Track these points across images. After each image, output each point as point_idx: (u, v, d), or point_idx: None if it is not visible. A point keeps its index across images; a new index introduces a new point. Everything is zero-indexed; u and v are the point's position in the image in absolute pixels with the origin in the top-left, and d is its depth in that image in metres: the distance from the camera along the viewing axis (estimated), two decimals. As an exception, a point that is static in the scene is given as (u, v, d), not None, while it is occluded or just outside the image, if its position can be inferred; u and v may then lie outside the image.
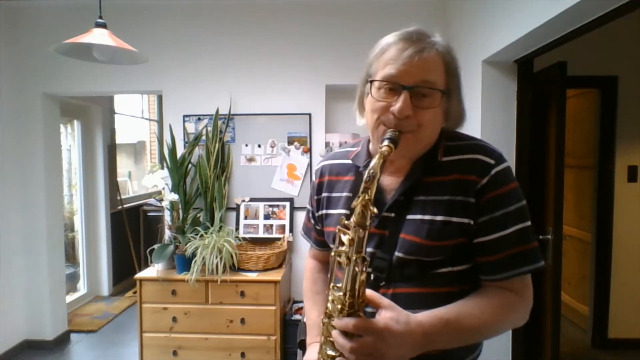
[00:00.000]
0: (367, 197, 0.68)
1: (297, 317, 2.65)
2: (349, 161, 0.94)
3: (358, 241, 0.68)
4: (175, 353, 2.54)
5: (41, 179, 3.08)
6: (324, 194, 0.96)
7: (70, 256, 4.09)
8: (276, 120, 2.92)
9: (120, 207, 4.41)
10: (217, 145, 2.86)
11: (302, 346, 0.89)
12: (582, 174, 3.30)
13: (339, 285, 0.72)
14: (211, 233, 2.57)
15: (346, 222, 0.70)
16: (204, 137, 2.91)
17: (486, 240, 0.79)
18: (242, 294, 2.51)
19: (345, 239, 0.70)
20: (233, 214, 2.95)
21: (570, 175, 3.32)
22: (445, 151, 0.83)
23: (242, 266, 2.61)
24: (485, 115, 2.20)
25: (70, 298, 3.83)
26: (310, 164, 2.92)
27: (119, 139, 4.66)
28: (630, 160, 3.03)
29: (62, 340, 3.26)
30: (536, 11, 1.60)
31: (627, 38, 2.92)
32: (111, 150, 4.35)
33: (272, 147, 2.95)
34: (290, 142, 2.93)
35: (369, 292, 0.72)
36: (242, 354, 2.51)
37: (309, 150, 2.92)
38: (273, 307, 2.51)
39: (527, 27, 1.68)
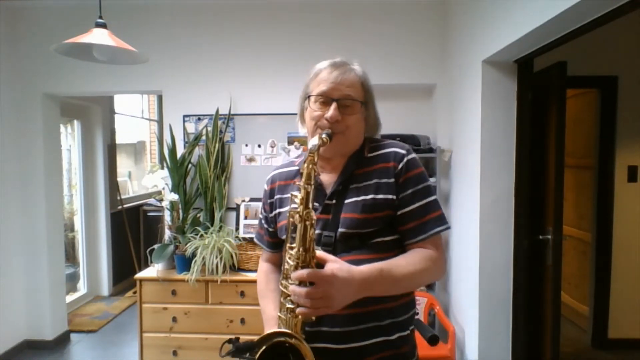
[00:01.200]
0: (312, 158, 0.88)
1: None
2: (295, 167, 1.15)
3: (306, 197, 0.87)
4: (175, 353, 2.54)
5: (41, 179, 3.08)
6: (277, 196, 1.14)
7: (70, 256, 4.09)
8: (276, 120, 2.92)
9: (120, 207, 4.41)
10: (217, 145, 2.86)
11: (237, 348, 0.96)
12: (582, 174, 3.30)
13: (293, 245, 0.89)
14: (211, 233, 2.57)
15: (297, 183, 0.89)
16: (204, 137, 2.91)
17: (406, 210, 1.01)
18: (242, 294, 2.51)
19: (297, 200, 0.87)
20: (233, 214, 2.95)
21: (570, 175, 3.32)
22: (369, 150, 1.09)
23: (242, 266, 2.61)
24: (485, 115, 2.20)
25: (70, 298, 3.83)
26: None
27: (119, 139, 4.66)
28: (630, 160, 3.03)
29: (62, 340, 3.26)
30: (536, 11, 1.60)
31: (627, 38, 2.92)
32: (111, 150, 4.35)
33: (272, 147, 2.95)
34: (290, 142, 2.93)
35: (318, 252, 0.89)
36: (242, 354, 2.51)
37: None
38: (273, 307, 2.50)
39: (527, 27, 1.68)
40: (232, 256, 2.49)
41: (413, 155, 1.06)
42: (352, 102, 1.03)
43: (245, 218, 2.91)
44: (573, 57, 2.21)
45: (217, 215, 2.80)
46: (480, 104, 2.20)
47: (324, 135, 0.96)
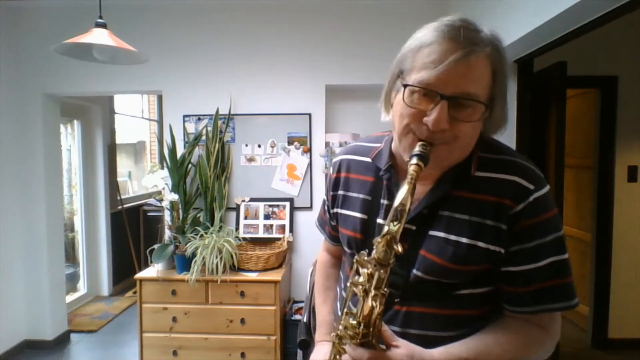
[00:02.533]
0: (392, 233, 0.62)
1: (297, 317, 2.65)
2: (369, 160, 0.86)
3: (378, 279, 0.63)
4: (175, 353, 2.54)
5: (41, 179, 3.08)
6: (340, 192, 0.89)
7: (70, 256, 4.09)
8: (276, 120, 2.92)
9: (120, 207, 4.41)
10: (217, 145, 2.86)
11: (303, 346, 0.87)
12: (582, 174, 3.29)
13: (353, 312, 0.67)
14: (211, 233, 2.57)
15: (365, 258, 0.65)
16: (204, 137, 2.91)
17: (516, 270, 0.72)
18: (242, 294, 2.51)
19: (363, 272, 0.64)
20: (233, 214, 2.95)
21: (570, 175, 3.32)
22: (479, 164, 0.75)
23: (242, 266, 2.61)
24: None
25: (70, 298, 3.83)
26: (310, 164, 2.92)
27: (119, 139, 4.66)
28: (630, 160, 3.03)
29: (62, 340, 3.26)
30: (536, 11, 1.60)
31: (627, 38, 2.92)
32: (111, 150, 4.35)
33: (272, 147, 2.95)
34: (290, 142, 2.93)
35: (384, 329, 0.67)
36: (242, 354, 2.51)
37: (309, 150, 2.92)
38: (273, 307, 2.51)
39: (527, 27, 1.68)
40: (232, 256, 2.49)
41: (544, 190, 0.72)
42: (472, 102, 0.68)
43: (245, 218, 2.91)
44: (573, 57, 2.21)
45: (217, 215, 2.80)
46: (480, 104, 2.20)
47: (412, 168, 0.65)
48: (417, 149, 0.67)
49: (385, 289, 0.64)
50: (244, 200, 2.94)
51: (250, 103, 2.95)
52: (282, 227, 2.88)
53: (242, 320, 2.51)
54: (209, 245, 2.47)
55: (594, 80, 3.01)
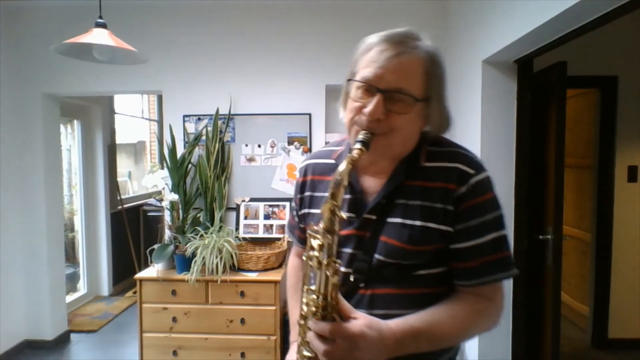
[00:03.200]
0: (334, 202, 0.69)
1: (297, 317, 2.65)
2: (332, 161, 0.94)
3: (328, 247, 0.69)
4: (175, 353, 2.54)
5: (41, 179, 3.08)
6: (307, 193, 0.97)
7: (70, 256, 4.09)
8: (276, 120, 2.92)
9: (120, 207, 4.41)
10: (217, 145, 2.86)
11: None
12: (582, 174, 3.30)
13: (312, 287, 0.73)
14: (211, 233, 2.57)
15: (315, 227, 0.71)
16: (204, 137, 2.91)
17: (462, 247, 0.81)
18: (242, 294, 2.51)
19: (315, 243, 0.70)
20: (233, 214, 2.95)
21: (570, 175, 3.32)
22: (427, 156, 0.85)
23: (242, 266, 2.61)
24: (485, 115, 2.20)
25: (70, 298, 3.83)
26: (310, 164, 2.91)
27: (119, 139, 4.66)
28: (630, 160, 3.03)
29: (62, 340, 3.26)
30: (536, 11, 1.60)
31: (627, 38, 2.92)
32: (111, 150, 4.35)
33: (272, 147, 2.95)
34: (290, 142, 2.93)
35: (342, 302, 0.73)
36: (242, 354, 2.51)
37: (309, 150, 2.92)
38: (273, 307, 2.51)
39: (527, 27, 1.68)
40: (232, 256, 2.49)
41: (484, 174, 0.82)
42: (403, 96, 0.77)
43: (245, 218, 2.91)
44: (573, 57, 2.21)
45: (217, 215, 2.80)
46: (480, 104, 2.20)
47: (354, 152, 0.73)
48: (359, 136, 0.77)
49: (337, 261, 0.70)
50: (244, 200, 2.94)
51: (250, 103, 2.95)
52: (282, 227, 2.88)
53: (242, 320, 2.51)
54: (209, 245, 2.47)
55: (594, 80, 3.01)
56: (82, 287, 4.14)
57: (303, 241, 1.03)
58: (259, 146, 2.96)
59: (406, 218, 0.81)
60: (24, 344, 3.13)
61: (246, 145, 2.96)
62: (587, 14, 1.47)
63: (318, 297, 0.71)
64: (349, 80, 0.84)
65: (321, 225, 0.70)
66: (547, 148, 2.17)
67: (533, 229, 2.20)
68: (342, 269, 0.83)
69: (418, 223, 0.80)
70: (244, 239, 2.79)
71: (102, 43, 1.77)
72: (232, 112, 2.94)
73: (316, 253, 0.71)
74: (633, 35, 2.91)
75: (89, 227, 4.14)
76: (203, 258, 2.45)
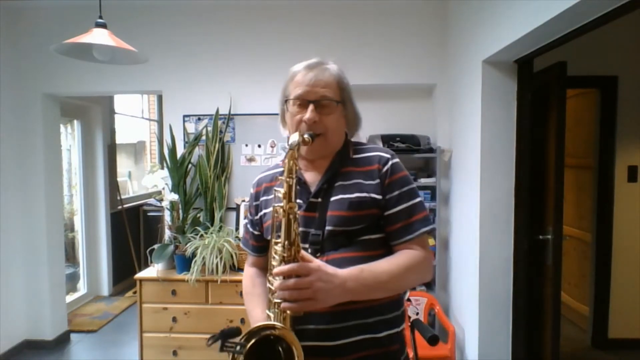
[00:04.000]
0: (293, 155, 0.90)
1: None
2: (280, 169, 1.13)
3: (289, 190, 0.88)
4: (175, 353, 2.54)
5: (41, 179, 3.08)
6: (262, 198, 1.16)
7: (70, 256, 4.09)
8: (276, 120, 2.88)
9: (120, 207, 4.41)
10: (217, 145, 2.86)
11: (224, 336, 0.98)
12: (582, 174, 3.30)
13: (278, 241, 0.90)
14: (211, 233, 2.57)
15: (279, 176, 0.91)
16: (204, 137, 2.91)
17: (393, 211, 1.03)
18: (242, 294, 2.50)
19: (280, 194, 0.89)
20: (233, 214, 2.95)
21: (570, 175, 3.32)
22: (354, 151, 1.11)
23: (242, 266, 2.59)
24: (485, 115, 2.20)
25: (70, 298, 3.83)
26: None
27: (119, 139, 4.66)
28: (630, 160, 3.03)
29: (62, 340, 3.26)
30: (536, 11, 1.60)
31: (627, 38, 2.92)
32: (111, 150, 4.35)
33: (272, 147, 2.95)
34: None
35: (303, 253, 0.89)
36: (242, 354, 2.51)
37: (309, 150, 2.91)
38: (273, 307, 2.50)
39: (527, 27, 1.68)
40: (232, 256, 2.49)
41: (397, 159, 1.09)
42: (328, 102, 1.05)
43: (245, 218, 2.91)
44: (573, 57, 2.20)
45: (217, 215, 2.80)
46: (480, 104, 2.20)
47: (306, 136, 0.97)
48: (306, 133, 1.00)
49: (296, 207, 0.89)
50: (244, 200, 2.94)
51: (250, 103, 2.95)
52: (282, 227, 2.88)
53: (242, 320, 2.51)
54: (209, 245, 2.47)
55: (594, 80, 3.01)
56: (82, 287, 4.14)
57: (258, 249, 1.21)
58: (259, 146, 2.96)
59: (345, 193, 1.02)
60: (24, 344, 3.13)
61: (246, 145, 2.96)
62: (587, 14, 1.47)
63: (284, 244, 0.88)
64: (286, 100, 1.08)
65: (284, 174, 0.89)
66: (547, 148, 2.17)
67: (533, 229, 2.20)
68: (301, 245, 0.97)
69: (355, 195, 1.02)
70: (244, 239, 2.79)
71: (102, 43, 1.77)
72: (232, 112, 2.94)
73: (281, 203, 0.88)
74: (633, 35, 2.91)
75: (89, 227, 4.14)
76: (203, 258, 2.45)
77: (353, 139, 1.17)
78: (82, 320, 3.66)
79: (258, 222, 1.17)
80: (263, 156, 2.95)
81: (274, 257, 0.92)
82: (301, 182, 1.06)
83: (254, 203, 1.19)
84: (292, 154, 0.90)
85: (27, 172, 3.07)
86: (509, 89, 2.18)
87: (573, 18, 1.51)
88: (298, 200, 0.99)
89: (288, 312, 0.88)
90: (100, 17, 1.85)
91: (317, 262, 0.89)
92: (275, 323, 0.88)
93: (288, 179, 0.89)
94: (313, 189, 1.06)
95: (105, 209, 4.21)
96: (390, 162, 1.06)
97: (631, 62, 2.96)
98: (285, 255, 0.88)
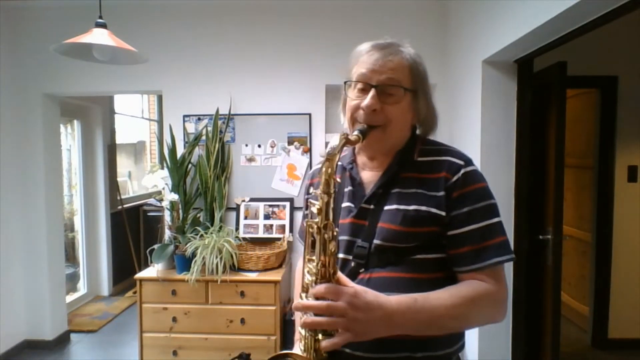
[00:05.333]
0: (330, 167, 0.77)
1: (297, 317, 2.65)
2: (339, 163, 0.97)
3: (325, 208, 0.76)
4: (175, 353, 2.54)
5: (41, 179, 3.08)
6: (313, 192, 1.00)
7: (70, 256, 4.09)
8: (276, 120, 2.92)
9: (120, 207, 4.41)
10: (217, 145, 2.86)
11: None
12: (582, 174, 3.30)
13: (312, 257, 0.79)
14: (211, 233, 2.57)
15: (314, 191, 0.78)
16: (204, 137, 2.91)
17: (456, 233, 0.85)
18: (242, 294, 2.51)
19: (314, 209, 0.77)
20: (233, 214, 2.95)
21: (570, 175, 3.32)
22: (420, 153, 0.93)
23: (242, 266, 2.61)
24: (485, 115, 2.20)
25: (70, 298, 3.83)
26: (310, 164, 2.92)
27: (119, 139, 4.66)
28: (630, 160, 3.03)
29: (62, 340, 3.26)
30: (536, 11, 1.60)
31: (627, 38, 2.92)
32: (111, 150, 4.35)
33: (272, 147, 2.95)
34: (290, 142, 2.93)
35: (340, 274, 0.78)
36: (242, 354, 2.51)
37: (309, 150, 2.92)
38: (273, 307, 2.51)
39: (527, 27, 1.68)
40: (232, 256, 2.49)
41: (473, 167, 0.89)
42: (395, 89, 0.88)
43: (245, 218, 2.91)
44: (573, 57, 2.20)
45: (217, 215, 2.80)
46: (480, 104, 2.20)
47: (355, 133, 0.84)
48: (358, 127, 0.88)
49: (335, 227, 0.77)
50: (244, 200, 2.94)
51: (250, 103, 2.95)
52: (282, 227, 2.88)
53: (242, 320, 2.51)
54: (209, 245, 2.47)
55: (594, 80, 3.01)
56: (82, 287, 4.14)
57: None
58: (259, 146, 2.96)
59: (401, 204, 0.87)
60: (24, 344, 3.13)
61: (246, 145, 2.96)
62: (587, 14, 1.47)
63: (317, 263, 0.76)
64: (345, 82, 0.93)
65: (320, 189, 0.77)
66: (547, 148, 2.17)
67: (533, 229, 2.20)
68: (342, 255, 0.88)
69: (412, 207, 0.86)
70: (244, 239, 2.79)
71: (102, 43, 1.77)
72: (232, 112, 2.94)
73: (316, 219, 0.77)
74: (633, 35, 2.91)
75: (89, 227, 4.14)
76: (203, 258, 2.45)
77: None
78: (82, 320, 3.66)
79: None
80: (263, 156, 2.95)
81: (306, 275, 0.81)
82: (356, 183, 0.94)
83: (306, 196, 1.08)
84: (329, 164, 0.77)
85: (27, 172, 3.07)
86: (509, 89, 2.18)
87: (573, 18, 1.51)
88: (349, 204, 0.92)
89: (321, 344, 0.76)
90: (100, 17, 1.85)
91: (354, 287, 0.75)
92: (292, 352, 0.80)
93: (324, 194, 0.76)
94: (367, 191, 0.92)
95: (105, 209, 4.21)
96: (462, 171, 0.87)
97: (631, 62, 2.96)
98: (318, 276, 0.77)
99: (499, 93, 2.19)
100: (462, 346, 0.90)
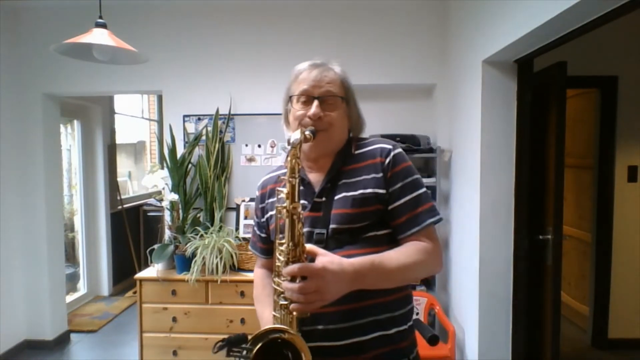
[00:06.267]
0: (295, 153, 0.89)
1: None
2: (284, 170, 1.07)
3: (292, 190, 0.88)
4: (175, 353, 2.54)
5: (41, 179, 3.08)
6: (268, 200, 1.15)
7: (70, 256, 4.09)
8: (276, 120, 2.90)
9: (120, 207, 4.41)
10: (217, 145, 2.86)
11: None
12: (582, 174, 3.30)
13: (282, 241, 0.89)
14: (211, 233, 2.57)
15: (282, 177, 0.91)
16: (204, 137, 2.91)
17: (395, 205, 1.01)
18: (242, 294, 2.51)
19: (283, 195, 0.88)
20: (233, 214, 2.95)
21: (570, 175, 3.32)
22: (356, 147, 1.10)
23: (242, 266, 2.61)
24: (485, 115, 2.20)
25: (70, 298, 3.83)
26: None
27: (119, 139, 4.66)
28: (630, 160, 3.03)
29: (62, 340, 3.26)
30: (536, 11, 1.60)
31: (627, 38, 2.92)
32: (111, 150, 4.35)
33: (272, 147, 2.95)
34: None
35: (308, 245, 0.89)
36: (242, 354, 2.51)
37: (309, 150, 2.91)
38: (273, 307, 2.50)
39: (527, 27, 1.68)
40: (232, 256, 2.49)
41: (399, 149, 1.07)
42: (333, 98, 1.05)
43: (245, 218, 2.91)
44: (573, 57, 2.20)
45: (217, 215, 2.80)
46: (480, 104, 2.20)
47: (307, 132, 0.97)
48: (307, 129, 0.99)
49: (301, 208, 0.88)
50: (244, 200, 2.94)
51: (250, 103, 2.95)
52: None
53: (242, 320, 2.51)
54: (209, 245, 2.47)
55: (594, 80, 3.01)
56: (82, 287, 4.14)
57: (266, 252, 1.20)
58: (259, 146, 2.96)
59: (348, 191, 1.01)
60: (24, 344, 3.13)
61: (246, 145, 2.96)
62: (587, 14, 1.47)
63: (288, 244, 0.86)
64: (291, 97, 1.08)
65: (287, 175, 0.88)
66: (547, 148, 2.17)
67: (533, 229, 2.20)
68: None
69: (358, 192, 1.00)
70: (244, 239, 2.79)
71: (102, 43, 1.77)
72: (232, 112, 2.94)
73: (284, 204, 0.88)
74: (633, 35, 2.91)
75: (89, 227, 4.14)
76: (203, 258, 2.45)
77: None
78: (82, 320, 3.66)
79: (265, 225, 1.16)
80: (263, 156, 2.95)
81: (278, 258, 0.91)
82: (305, 183, 1.06)
83: (260, 205, 1.18)
84: (294, 153, 0.89)
85: (27, 172, 3.07)
86: (509, 89, 2.18)
87: (573, 18, 1.51)
88: (303, 201, 1.00)
89: (295, 313, 0.86)
90: (100, 17, 1.85)
91: (322, 262, 0.85)
92: (282, 326, 0.87)
93: (291, 179, 0.88)
94: (317, 188, 1.05)
95: (105, 209, 4.21)
96: (392, 154, 1.04)
97: (631, 62, 2.96)
98: (290, 255, 0.86)
99: (499, 93, 2.19)
100: (412, 308, 1.07)
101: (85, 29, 1.83)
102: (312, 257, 0.88)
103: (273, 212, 1.09)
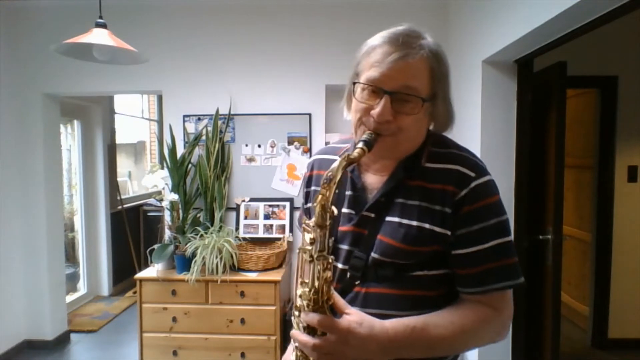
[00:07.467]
0: (325, 197, 0.69)
1: (297, 317, 2.65)
2: (337, 157, 0.87)
3: (319, 240, 0.70)
4: (175, 353, 2.54)
5: (41, 179, 3.08)
6: (312, 188, 0.96)
7: (70, 256, 4.09)
8: (276, 120, 2.92)
9: (120, 207, 4.41)
10: (217, 145, 2.86)
11: None
12: (582, 174, 3.29)
13: (306, 280, 0.74)
14: (211, 233, 2.57)
15: (307, 221, 0.73)
16: (204, 137, 2.91)
17: (463, 253, 0.78)
18: (242, 294, 2.51)
19: (307, 237, 0.72)
20: (233, 214, 2.95)
21: (570, 175, 3.32)
22: (429, 157, 0.83)
23: (242, 266, 2.61)
24: (485, 115, 2.20)
25: (70, 298, 3.83)
26: (310, 164, 2.91)
27: (119, 139, 4.66)
28: (630, 160, 3.03)
29: (62, 340, 3.26)
30: (536, 11, 1.60)
31: (627, 38, 2.92)
32: (111, 150, 4.35)
33: (272, 147, 2.95)
34: (290, 142, 2.93)
35: (336, 297, 0.74)
36: (242, 354, 2.51)
37: (309, 150, 2.92)
38: (273, 307, 2.51)
39: (527, 27, 1.68)
40: (232, 256, 2.49)
41: (486, 178, 0.80)
42: (411, 97, 0.76)
43: (245, 218, 2.91)
44: (573, 57, 2.21)
45: (217, 215, 2.80)
46: (480, 104, 2.20)
47: (355, 152, 0.74)
48: (364, 136, 0.77)
49: (330, 256, 0.71)
50: (244, 200, 2.94)
51: (250, 103, 2.95)
52: (282, 227, 2.88)
53: (242, 320, 2.51)
54: (209, 245, 2.47)
55: (594, 80, 3.01)
56: (82, 287, 4.14)
57: None
58: (259, 146, 2.96)
59: (403, 217, 0.79)
60: (24, 344, 3.13)
61: (246, 145, 2.96)
62: (587, 14, 1.47)
63: (310, 290, 0.72)
64: (354, 83, 0.81)
65: (313, 220, 0.70)
66: (547, 148, 2.17)
67: (533, 229, 2.20)
68: (340, 265, 0.83)
69: (414, 223, 0.78)
70: (244, 239, 2.79)
71: (102, 43, 1.77)
72: (232, 112, 2.94)
73: (309, 247, 0.71)
74: (633, 35, 2.91)
75: (89, 227, 4.14)
76: (203, 258, 2.45)
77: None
78: (82, 320, 3.66)
79: (308, 213, 0.98)
80: (263, 156, 2.95)
81: (299, 296, 0.76)
82: (357, 188, 0.85)
83: (305, 189, 0.99)
84: (325, 192, 0.70)
85: (27, 172, 3.07)
86: (509, 89, 2.18)
87: (573, 18, 1.51)
88: (350, 210, 0.84)
89: None
90: (100, 17, 1.85)
91: (348, 321, 0.71)
92: None
93: (318, 230, 0.70)
94: (371, 197, 0.83)
95: (105, 209, 4.21)
96: (473, 184, 0.78)
97: (631, 62, 2.96)
98: (311, 302, 0.72)
99: (499, 93, 2.19)
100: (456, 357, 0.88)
101: (85, 29, 1.83)
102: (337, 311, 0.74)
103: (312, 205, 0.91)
